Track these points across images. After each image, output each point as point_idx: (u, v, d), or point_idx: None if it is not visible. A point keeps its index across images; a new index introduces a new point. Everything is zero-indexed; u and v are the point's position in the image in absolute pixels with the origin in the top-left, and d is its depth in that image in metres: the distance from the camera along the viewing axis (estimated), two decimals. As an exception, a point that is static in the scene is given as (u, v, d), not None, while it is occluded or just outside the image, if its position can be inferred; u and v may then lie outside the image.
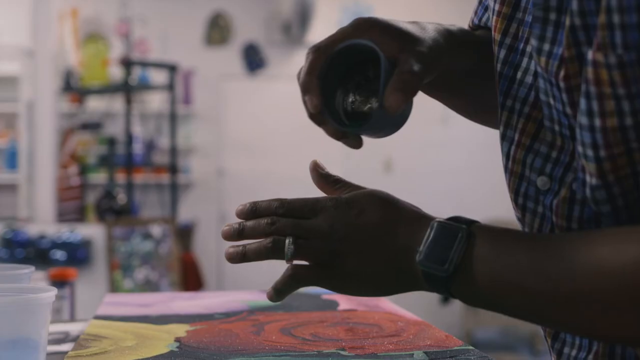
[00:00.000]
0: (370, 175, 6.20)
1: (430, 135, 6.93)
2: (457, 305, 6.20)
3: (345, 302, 1.30)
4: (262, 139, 6.93)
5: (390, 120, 0.83)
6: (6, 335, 0.77)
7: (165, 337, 1.00)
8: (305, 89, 0.81)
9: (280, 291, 0.83)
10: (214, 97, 6.92)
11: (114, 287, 4.55)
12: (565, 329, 0.75)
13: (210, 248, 6.69)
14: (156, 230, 4.82)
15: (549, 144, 0.77)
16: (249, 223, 0.83)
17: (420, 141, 6.90)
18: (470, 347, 0.92)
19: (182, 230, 5.65)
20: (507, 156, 0.82)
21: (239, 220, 0.84)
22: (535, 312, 0.72)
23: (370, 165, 6.58)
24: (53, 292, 0.81)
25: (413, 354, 0.89)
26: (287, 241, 0.80)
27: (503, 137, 0.82)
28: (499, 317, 5.98)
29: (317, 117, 0.83)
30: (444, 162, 6.96)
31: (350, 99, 0.84)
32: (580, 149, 0.69)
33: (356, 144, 0.87)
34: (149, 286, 4.67)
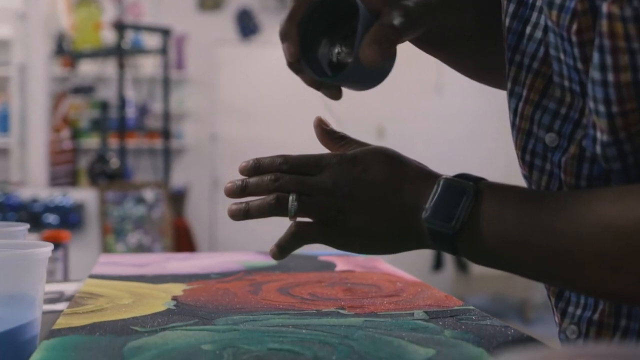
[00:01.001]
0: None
1: (423, 104, 6.91)
2: (448, 272, 6.22)
3: (342, 263, 1.29)
4: (255, 105, 6.90)
5: (367, 73, 0.82)
6: (2, 290, 0.76)
7: (162, 296, 0.99)
8: (284, 36, 0.80)
9: (283, 248, 0.82)
10: (208, 62, 6.86)
11: (107, 251, 4.55)
12: (572, 287, 0.75)
13: (202, 213, 6.68)
14: (149, 194, 4.80)
15: (558, 100, 0.75)
16: (252, 180, 0.82)
17: (413, 109, 6.88)
18: (471, 307, 0.91)
19: (174, 195, 5.64)
20: (514, 113, 0.80)
21: (242, 177, 0.83)
22: (542, 271, 0.71)
23: (362, 131, 6.55)
24: (49, 247, 0.79)
25: (413, 313, 0.88)
26: (290, 198, 0.79)
27: (511, 94, 0.81)
28: (490, 285, 6.01)
29: (294, 65, 0.82)
30: (437, 131, 6.95)
31: (336, 50, 0.83)
32: (591, 105, 0.68)
33: (335, 95, 0.85)
34: (141, 250, 4.66)
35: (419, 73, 6.40)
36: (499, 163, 6.54)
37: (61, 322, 0.83)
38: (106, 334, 0.78)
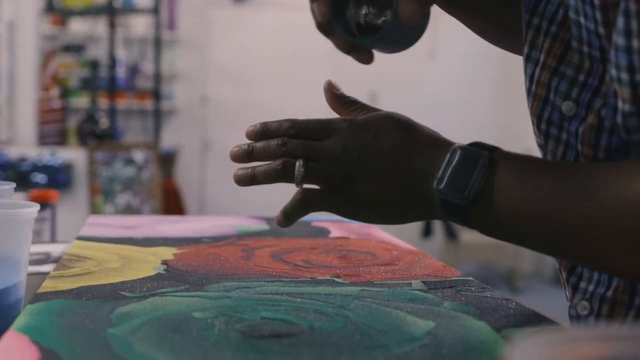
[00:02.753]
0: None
1: (417, 71, 6.86)
2: (437, 239, 6.23)
3: (336, 229, 1.26)
4: (247, 68, 6.83)
5: (404, 33, 0.79)
6: (-15, 251, 0.73)
7: (152, 260, 0.97)
8: None
9: (289, 216, 0.79)
10: (200, 23, 6.78)
11: (95, 212, 4.51)
12: (587, 264, 0.72)
13: (192, 176, 6.65)
14: (138, 156, 4.77)
15: (576, 66, 0.72)
16: (259, 144, 0.79)
17: (406, 76, 6.83)
18: (470, 278, 0.89)
19: (164, 157, 5.60)
20: (530, 78, 0.77)
21: (248, 142, 0.80)
22: (557, 246, 0.68)
23: (355, 96, 6.51)
24: (35, 207, 0.76)
25: (411, 283, 0.86)
26: (297, 163, 0.76)
27: (527, 58, 0.77)
28: (479, 253, 6.02)
29: (325, 26, 0.79)
30: (430, 98, 6.90)
31: (363, 11, 0.79)
32: (613, 72, 0.64)
33: (367, 58, 0.82)
34: (130, 212, 4.63)
35: (414, 39, 6.34)
36: (492, 131, 6.52)
37: (47, 286, 0.80)
38: (94, 298, 0.75)
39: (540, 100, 0.76)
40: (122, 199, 4.67)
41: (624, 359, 0.31)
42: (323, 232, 1.23)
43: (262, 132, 0.79)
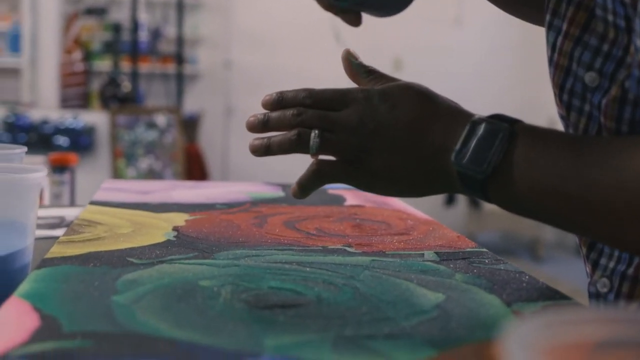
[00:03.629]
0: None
1: (442, 37, 6.78)
2: (460, 207, 6.20)
3: (352, 197, 1.25)
4: (272, 32, 6.79)
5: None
6: (-9, 216, 0.72)
7: (163, 226, 0.96)
8: None
9: (304, 187, 0.77)
10: (223, -14, 6.74)
11: (117, 175, 4.53)
12: (606, 241, 0.69)
13: (215, 140, 6.64)
14: (161, 119, 4.77)
15: (600, 35, 0.69)
16: (274, 114, 0.77)
17: (431, 42, 6.75)
18: (484, 250, 0.87)
19: (187, 122, 5.60)
20: (552, 47, 0.74)
21: (264, 111, 0.78)
22: (577, 222, 0.66)
23: (378, 64, 6.45)
24: (41, 173, 0.75)
25: (423, 254, 0.84)
26: (312, 134, 0.74)
27: (549, 26, 0.74)
28: (502, 222, 5.98)
29: None
30: (455, 66, 6.83)
31: None
32: (638, 42, 0.62)
33: (354, 21, 0.80)
34: (152, 175, 4.64)
35: (440, 4, 6.27)
36: (516, 100, 6.46)
37: (55, 251, 0.79)
38: (101, 265, 0.74)
39: (563, 70, 0.73)
40: (144, 162, 4.68)
41: (623, 343, 0.30)
42: (338, 200, 1.22)
43: (278, 102, 0.77)
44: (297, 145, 0.75)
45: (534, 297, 0.69)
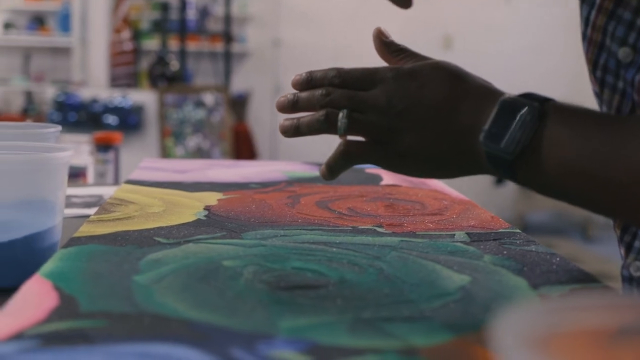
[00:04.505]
0: (428, 52, 5.98)
1: (492, 15, 6.68)
2: (510, 187, 6.12)
3: (389, 176, 1.23)
4: (321, 10, 6.76)
5: None
6: (20, 195, 0.73)
7: (195, 205, 0.96)
8: None
9: (332, 169, 0.76)
10: (272, -36, 6.72)
11: (165, 154, 4.57)
12: (639, 224, 0.67)
13: (264, 119, 6.65)
14: (209, 98, 4.78)
15: (634, 9, 0.67)
16: (304, 94, 0.76)
17: (482, 20, 6.66)
18: (517, 230, 0.85)
19: (236, 100, 5.61)
20: (585, 22, 0.72)
21: (294, 91, 0.77)
22: (607, 205, 0.64)
23: (429, 41, 6.38)
24: (69, 152, 0.75)
25: (454, 235, 0.83)
26: (340, 114, 0.73)
27: (583, 0, 0.72)
28: (552, 201, 5.89)
29: None
30: (506, 43, 6.73)
31: None
32: None
33: (404, 3, 0.78)
34: (200, 154, 4.67)
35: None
36: (565, 77, 6.34)
37: (84, 230, 0.80)
38: (127, 244, 0.75)
39: (596, 45, 0.71)
40: (192, 141, 4.71)
41: (625, 332, 0.28)
42: (375, 180, 1.21)
43: (307, 82, 0.77)
44: (325, 126, 0.74)
45: (563, 279, 0.67)
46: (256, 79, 6.72)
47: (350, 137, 0.76)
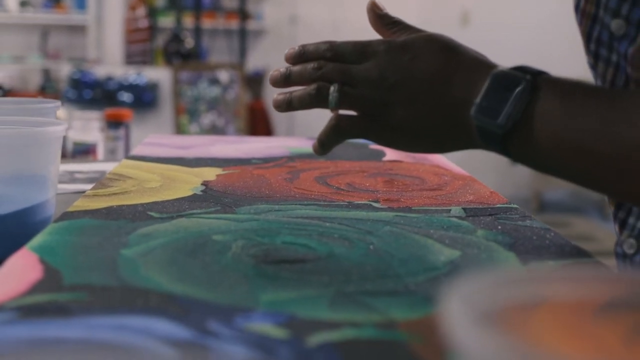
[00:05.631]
0: (445, 28, 5.93)
1: (511, -12, 6.62)
2: (527, 164, 6.08)
3: (392, 152, 1.23)
4: (336, -14, 6.72)
5: None
6: (11, 170, 0.73)
7: (193, 180, 0.95)
8: None
9: (323, 143, 0.76)
10: (288, -60, 6.68)
11: (180, 131, 4.57)
12: (633, 201, 0.66)
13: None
14: (223, 76, 4.78)
15: None
16: (296, 68, 0.76)
17: (500, -6, 6.60)
18: (514, 206, 0.84)
19: (252, 78, 5.60)
20: None
21: (288, 65, 0.77)
22: (601, 180, 0.63)
23: (446, 17, 6.34)
24: (62, 126, 0.75)
25: (450, 210, 0.82)
26: (331, 88, 0.73)
27: None
28: (570, 179, 5.86)
29: None
30: (526, 16, 6.67)
31: None
32: None
33: None
34: (215, 132, 4.67)
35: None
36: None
37: (78, 204, 0.80)
38: (119, 218, 0.74)
39: (589, 17, 0.70)
40: (207, 118, 4.71)
41: (609, 307, 0.28)
42: (377, 155, 1.20)
43: (300, 55, 0.76)
44: (316, 100, 0.74)
45: (555, 255, 0.66)
46: (273, 56, 6.70)
47: (343, 112, 0.75)
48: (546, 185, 5.92)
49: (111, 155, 2.10)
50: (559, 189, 6.16)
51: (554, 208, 5.88)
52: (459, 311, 0.26)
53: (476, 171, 1.12)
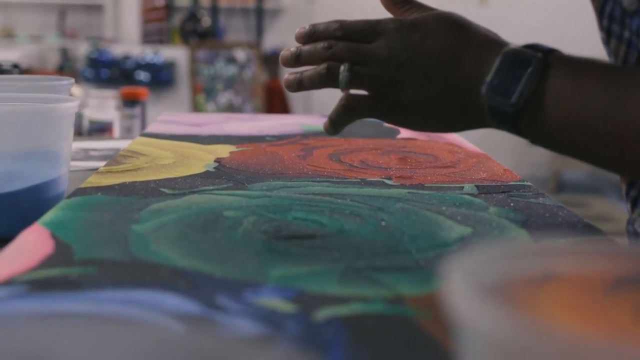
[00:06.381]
0: (464, 8, 5.87)
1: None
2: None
3: (406, 130, 1.22)
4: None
5: None
6: (23, 146, 0.73)
7: (207, 157, 0.95)
8: None
9: (334, 123, 0.76)
10: None
11: (197, 110, 4.58)
12: None
13: (297, 76, 6.62)
14: (240, 54, 4.77)
15: None
16: (306, 47, 0.75)
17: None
18: (528, 183, 0.84)
19: (270, 57, 5.59)
20: None
21: (299, 45, 0.77)
22: (612, 160, 0.63)
23: (464, -5, 6.29)
24: (74, 102, 0.75)
25: (463, 187, 0.82)
26: (341, 67, 0.72)
27: None
28: (588, 158, 5.81)
29: None
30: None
31: None
32: None
33: None
34: (231, 110, 4.68)
35: None
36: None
37: (90, 181, 0.80)
38: (132, 194, 0.75)
39: None
40: (224, 97, 4.71)
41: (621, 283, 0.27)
42: (392, 133, 1.20)
43: (310, 35, 0.76)
44: (326, 80, 0.74)
45: (566, 232, 0.66)
46: (290, 35, 6.64)
47: (354, 91, 0.75)
48: (564, 165, 5.88)
49: (127, 133, 2.11)
50: (577, 169, 6.12)
51: (572, 188, 5.84)
52: (460, 284, 0.26)
53: (493, 150, 1.12)
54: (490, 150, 1.10)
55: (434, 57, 0.69)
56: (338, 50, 0.73)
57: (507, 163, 0.99)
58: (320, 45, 0.74)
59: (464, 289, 0.26)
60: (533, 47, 0.64)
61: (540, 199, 0.77)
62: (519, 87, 0.63)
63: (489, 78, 0.65)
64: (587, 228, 0.67)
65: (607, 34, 0.69)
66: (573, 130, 0.62)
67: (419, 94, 0.70)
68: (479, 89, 0.66)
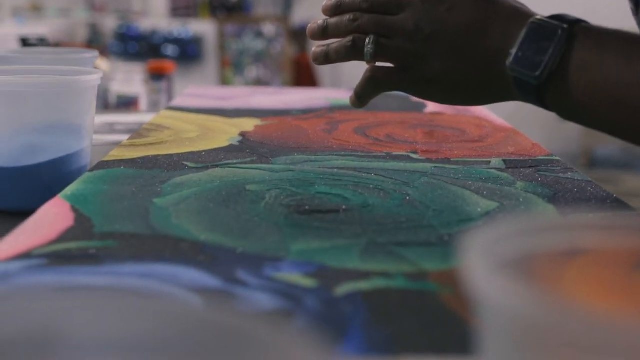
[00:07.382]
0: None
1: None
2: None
3: (433, 104, 1.20)
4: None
5: None
6: (46, 119, 0.72)
7: (231, 131, 0.95)
8: None
9: (360, 96, 0.76)
10: None
11: (225, 84, 4.57)
12: None
13: (325, 50, 6.58)
14: (268, 29, 4.75)
15: None
16: (332, 20, 0.75)
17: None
18: (557, 158, 0.82)
19: (298, 31, 5.56)
20: None
21: (325, 17, 0.76)
22: (634, 132, 0.61)
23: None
24: (97, 75, 0.75)
25: (490, 161, 0.80)
26: (367, 40, 0.71)
27: None
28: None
29: None
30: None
31: None
32: None
33: None
34: (260, 84, 4.67)
35: None
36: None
37: (113, 154, 0.80)
38: (154, 168, 0.74)
39: None
40: (252, 72, 4.70)
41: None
42: (419, 107, 1.18)
43: (337, 7, 0.75)
44: (351, 52, 0.73)
45: (595, 207, 0.64)
46: (318, 9, 6.61)
47: (379, 64, 0.74)
48: (596, 141, 5.81)
49: (154, 107, 2.11)
50: (609, 144, 6.04)
51: (604, 164, 5.78)
52: (478, 259, 0.25)
53: (523, 125, 1.10)
54: (520, 124, 1.08)
55: (460, 30, 0.68)
56: (364, 23, 0.72)
57: (537, 138, 0.97)
58: (346, 17, 0.73)
59: (481, 264, 0.25)
60: (559, 18, 0.63)
61: (569, 174, 0.75)
62: (544, 60, 0.62)
63: (513, 50, 0.64)
64: (616, 204, 0.66)
65: (636, 4, 0.68)
66: (599, 102, 0.61)
67: (444, 67, 0.69)
68: (504, 61, 0.65)
